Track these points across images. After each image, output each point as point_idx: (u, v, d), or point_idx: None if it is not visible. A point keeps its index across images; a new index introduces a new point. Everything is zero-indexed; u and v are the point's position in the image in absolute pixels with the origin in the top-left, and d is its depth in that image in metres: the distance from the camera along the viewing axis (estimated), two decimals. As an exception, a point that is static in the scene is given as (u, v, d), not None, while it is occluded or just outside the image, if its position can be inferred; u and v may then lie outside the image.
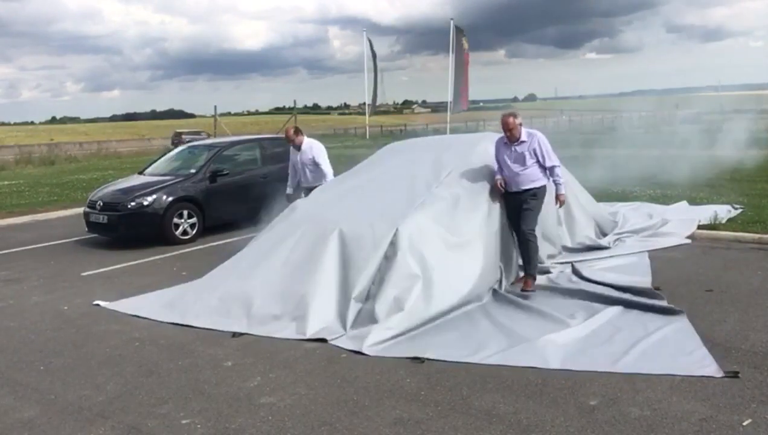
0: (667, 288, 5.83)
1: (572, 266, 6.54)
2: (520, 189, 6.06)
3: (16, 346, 5.32)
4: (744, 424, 3.46)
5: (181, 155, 11.11)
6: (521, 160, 6.03)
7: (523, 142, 6.04)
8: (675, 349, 4.45)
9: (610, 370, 4.20)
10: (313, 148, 7.97)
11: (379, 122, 55.86)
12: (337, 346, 4.86)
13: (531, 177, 6.03)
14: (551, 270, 6.48)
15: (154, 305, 6.10)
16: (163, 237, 9.20)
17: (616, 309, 5.24)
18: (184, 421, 3.83)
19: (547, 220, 6.95)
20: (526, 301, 5.59)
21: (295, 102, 37.48)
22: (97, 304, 6.34)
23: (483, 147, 6.75)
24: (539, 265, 6.46)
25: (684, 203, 9.98)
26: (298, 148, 7.98)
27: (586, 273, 6.28)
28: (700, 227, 8.19)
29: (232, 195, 10.04)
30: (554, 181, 6.11)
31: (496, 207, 6.18)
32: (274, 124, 35.36)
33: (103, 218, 9.34)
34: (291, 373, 4.45)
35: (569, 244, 7.22)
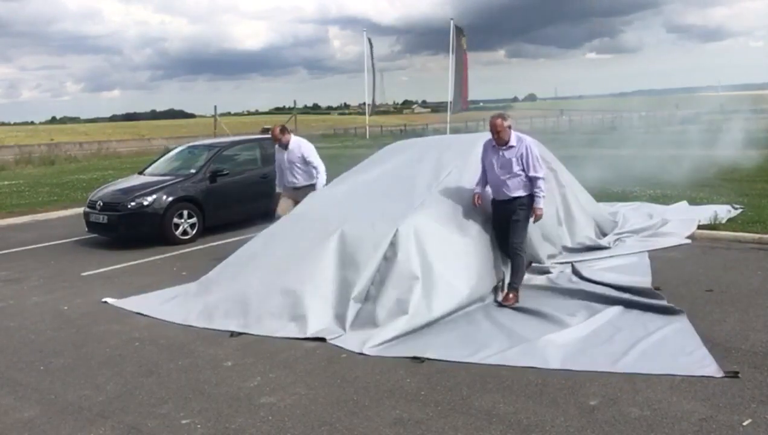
0: (667, 288, 5.83)
1: (572, 266, 6.54)
2: (508, 197, 5.70)
3: (16, 346, 5.32)
4: (744, 424, 3.46)
5: (181, 155, 11.11)
6: (508, 166, 5.66)
7: (511, 146, 5.68)
8: (675, 349, 4.46)
9: (610, 370, 4.20)
10: (301, 146, 7.71)
11: (379, 122, 55.81)
12: (337, 346, 4.86)
13: (518, 185, 5.67)
14: (551, 270, 6.47)
15: (163, 304, 6.11)
16: (163, 237, 9.20)
17: (616, 309, 5.24)
18: (184, 421, 3.83)
19: (547, 220, 6.94)
20: (527, 302, 5.59)
21: (295, 102, 37.58)
22: (105, 302, 6.37)
23: (483, 147, 6.74)
24: (539, 265, 6.47)
25: (684, 203, 9.98)
26: (285, 147, 7.73)
27: (586, 273, 6.28)
28: (700, 227, 8.19)
29: (232, 195, 10.05)
30: (534, 192, 5.67)
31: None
32: (274, 125, 35.35)
33: (103, 218, 9.34)
34: (291, 373, 4.45)
35: (569, 244, 7.22)
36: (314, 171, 7.64)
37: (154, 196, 9.32)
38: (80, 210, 10.56)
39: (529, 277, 6.16)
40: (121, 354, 5.00)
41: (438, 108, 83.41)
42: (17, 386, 4.49)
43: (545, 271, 6.42)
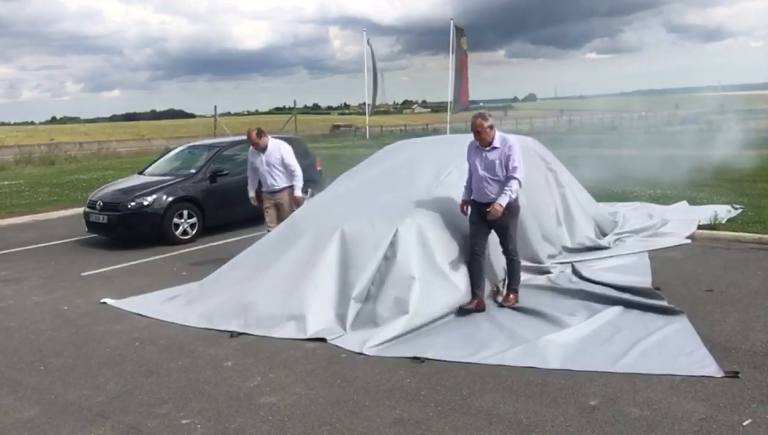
0: (667, 288, 5.83)
1: (572, 266, 6.53)
2: (490, 200, 5.42)
3: (16, 346, 5.32)
4: (744, 424, 3.46)
5: (181, 155, 11.12)
6: (491, 168, 5.42)
7: (495, 148, 5.43)
8: (675, 349, 4.45)
9: (610, 370, 4.20)
10: (281, 149, 7.36)
11: (379, 122, 55.80)
12: (337, 346, 4.86)
13: (501, 189, 5.39)
14: (551, 270, 6.47)
15: (163, 304, 6.11)
16: (163, 237, 9.21)
17: (617, 309, 5.24)
18: (184, 421, 3.83)
19: (547, 220, 6.95)
20: (527, 302, 5.59)
21: (295, 102, 37.64)
22: (104, 302, 6.37)
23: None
24: (539, 265, 6.47)
25: (684, 203, 9.98)
26: (263, 150, 7.37)
27: (586, 273, 6.27)
28: (700, 227, 8.19)
29: (232, 195, 10.01)
30: (504, 189, 5.36)
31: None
32: (274, 125, 35.42)
33: (103, 218, 9.35)
34: (291, 373, 4.45)
35: (569, 245, 7.22)
36: (293, 173, 7.39)
37: (154, 196, 9.32)
38: (80, 210, 10.57)
39: (529, 277, 6.17)
40: (121, 354, 5.00)
41: (438, 108, 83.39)
42: (17, 386, 4.49)
43: (545, 271, 6.42)
